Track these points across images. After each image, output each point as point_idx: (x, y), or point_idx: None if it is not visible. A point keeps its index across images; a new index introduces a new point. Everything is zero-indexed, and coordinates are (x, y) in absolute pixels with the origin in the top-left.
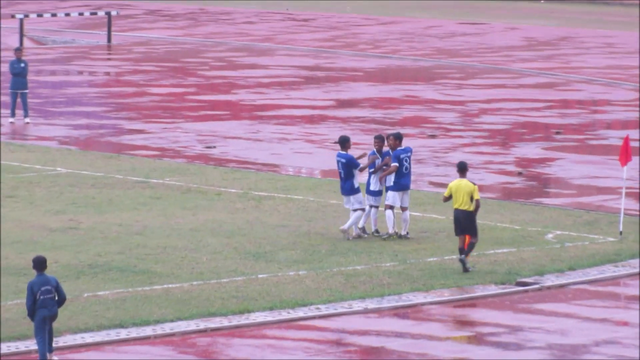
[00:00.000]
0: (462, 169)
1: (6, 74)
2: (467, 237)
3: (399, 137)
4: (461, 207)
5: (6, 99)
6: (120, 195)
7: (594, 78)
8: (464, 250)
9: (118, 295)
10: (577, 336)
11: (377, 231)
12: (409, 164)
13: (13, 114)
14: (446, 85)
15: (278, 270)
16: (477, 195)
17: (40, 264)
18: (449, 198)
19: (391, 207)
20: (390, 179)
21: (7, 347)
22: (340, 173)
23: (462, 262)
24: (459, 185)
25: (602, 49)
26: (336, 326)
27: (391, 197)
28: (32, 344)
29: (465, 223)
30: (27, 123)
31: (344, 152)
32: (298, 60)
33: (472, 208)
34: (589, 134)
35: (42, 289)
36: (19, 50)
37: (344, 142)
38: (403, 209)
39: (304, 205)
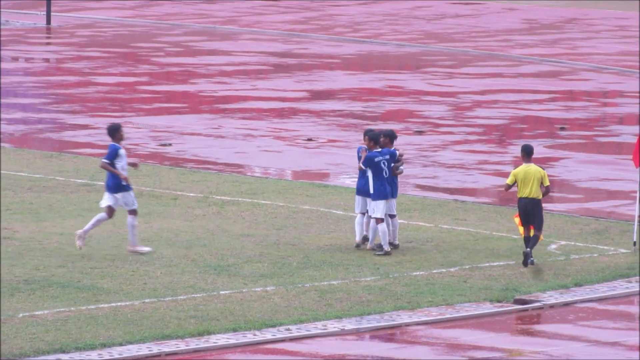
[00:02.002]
0: (530, 152)
1: None
2: (532, 228)
3: (389, 135)
4: (530, 196)
5: None
6: (61, 200)
7: (604, 66)
8: (530, 241)
9: (59, 315)
10: None
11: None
12: (388, 167)
13: None
14: (435, 74)
15: (243, 285)
16: (547, 182)
17: None
18: (512, 186)
19: (382, 220)
20: (370, 187)
21: None
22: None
23: (527, 255)
24: (527, 171)
25: (613, 32)
26: (309, 350)
27: (378, 208)
28: None
29: (533, 213)
30: None
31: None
32: (266, 46)
33: (540, 196)
34: (598, 130)
35: None
36: None
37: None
38: (391, 216)
39: (273, 212)
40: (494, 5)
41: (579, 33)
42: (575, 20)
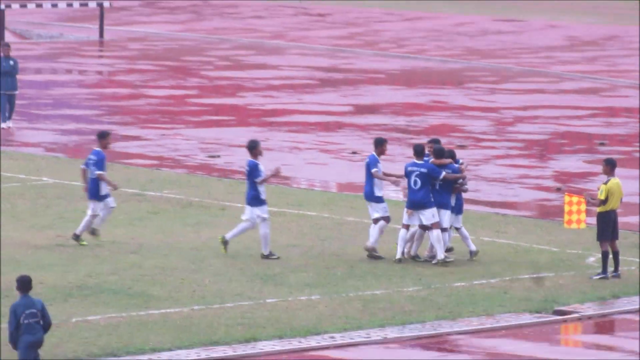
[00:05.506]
0: (615, 165)
1: None
2: (614, 242)
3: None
4: (616, 208)
5: None
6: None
7: None
8: (614, 255)
9: (110, 320)
10: None
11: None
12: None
13: (4, 119)
14: (478, 89)
15: (288, 294)
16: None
17: (25, 284)
18: (605, 201)
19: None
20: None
21: None
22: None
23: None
24: (618, 184)
25: None
26: (352, 357)
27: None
28: None
29: (616, 224)
30: (9, 127)
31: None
32: (312, 60)
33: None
34: (637, 145)
35: (27, 312)
36: (7, 46)
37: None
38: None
39: (318, 223)
40: (536, 23)
41: (619, 50)
42: (616, 38)
